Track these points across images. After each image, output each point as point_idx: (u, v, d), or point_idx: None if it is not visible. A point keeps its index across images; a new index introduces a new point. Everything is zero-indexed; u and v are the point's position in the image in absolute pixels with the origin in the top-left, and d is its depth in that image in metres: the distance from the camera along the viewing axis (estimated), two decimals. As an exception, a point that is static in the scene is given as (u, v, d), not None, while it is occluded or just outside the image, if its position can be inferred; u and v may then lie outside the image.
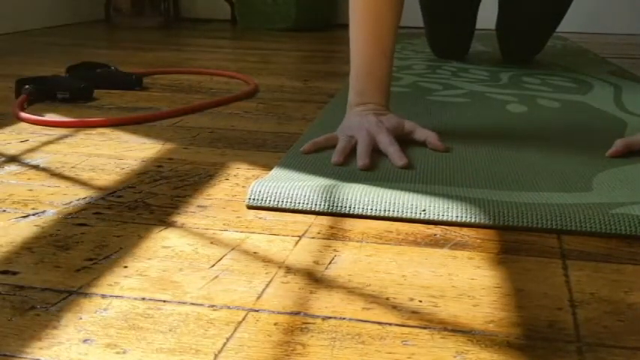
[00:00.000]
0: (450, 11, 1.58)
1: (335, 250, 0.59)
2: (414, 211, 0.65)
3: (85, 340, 0.44)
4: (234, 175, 0.78)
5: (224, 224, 0.64)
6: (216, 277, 0.53)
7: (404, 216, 0.65)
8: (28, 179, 0.76)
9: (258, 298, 0.50)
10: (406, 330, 0.46)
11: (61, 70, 1.39)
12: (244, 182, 0.76)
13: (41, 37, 2.14)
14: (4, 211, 0.67)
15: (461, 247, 0.60)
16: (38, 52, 1.81)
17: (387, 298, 0.50)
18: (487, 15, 1.63)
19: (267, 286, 0.52)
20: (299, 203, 0.67)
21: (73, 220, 0.65)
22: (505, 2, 1.57)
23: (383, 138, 0.84)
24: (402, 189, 0.70)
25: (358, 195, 0.67)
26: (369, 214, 0.66)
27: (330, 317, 0.48)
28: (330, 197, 0.67)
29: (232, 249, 0.59)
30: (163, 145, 0.91)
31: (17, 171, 0.79)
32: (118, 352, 0.43)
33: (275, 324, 0.47)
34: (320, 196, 0.68)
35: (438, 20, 1.62)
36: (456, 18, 1.60)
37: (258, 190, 0.69)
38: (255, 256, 0.57)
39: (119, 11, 2.55)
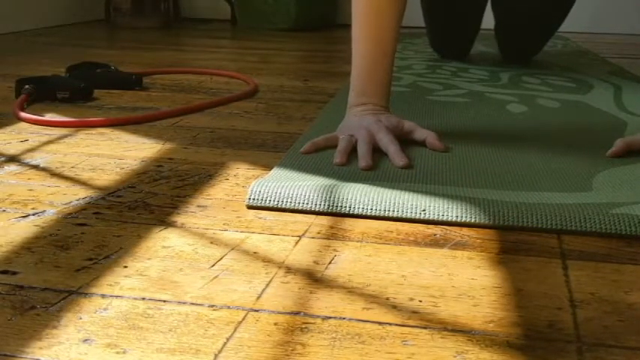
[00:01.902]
0: (454, 12, 1.57)
1: (335, 250, 0.59)
2: (414, 211, 0.65)
3: (85, 340, 0.44)
4: (234, 175, 0.78)
5: (224, 224, 0.64)
6: (216, 277, 0.53)
7: (404, 216, 0.65)
8: (28, 179, 0.76)
9: (258, 298, 0.50)
10: (406, 330, 0.46)
11: (61, 70, 1.39)
12: (244, 182, 0.76)
13: (41, 37, 2.14)
14: (4, 211, 0.67)
15: (461, 247, 0.60)
16: (38, 52, 1.81)
17: (387, 298, 0.50)
18: (487, 15, 1.63)
19: (267, 286, 0.52)
20: (299, 203, 0.67)
21: (73, 220, 0.65)
22: (498, 4, 1.57)
23: (383, 137, 0.84)
24: (402, 189, 0.70)
25: (358, 195, 0.67)
26: (369, 214, 0.66)
27: (330, 317, 0.48)
28: (330, 197, 0.67)
29: (232, 249, 0.59)
30: (163, 145, 0.91)
31: (17, 171, 0.79)
32: (118, 352, 0.43)
33: (275, 324, 0.47)
34: (320, 196, 0.68)
35: (440, 20, 1.61)
36: (458, 19, 1.60)
37: (258, 190, 0.69)
38: (255, 256, 0.57)
39: (119, 11, 2.55)
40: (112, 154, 0.86)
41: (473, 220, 0.64)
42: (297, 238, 0.62)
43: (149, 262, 0.56)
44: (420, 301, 0.50)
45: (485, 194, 0.69)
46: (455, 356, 0.43)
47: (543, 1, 1.48)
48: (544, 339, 0.45)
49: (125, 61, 1.64)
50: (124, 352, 0.43)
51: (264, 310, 0.48)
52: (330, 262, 0.56)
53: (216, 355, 0.43)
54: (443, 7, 1.57)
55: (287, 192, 0.68)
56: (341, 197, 0.67)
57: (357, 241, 0.61)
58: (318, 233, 0.63)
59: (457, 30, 1.63)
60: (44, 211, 0.67)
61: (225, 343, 0.44)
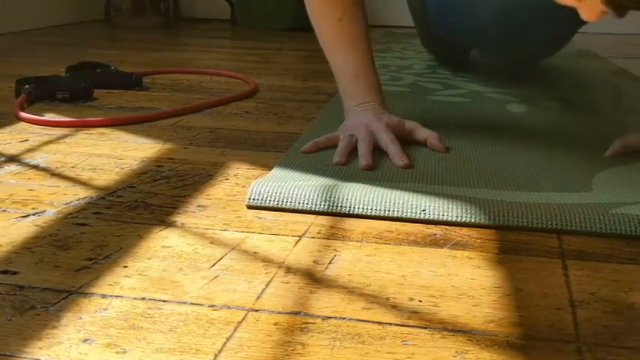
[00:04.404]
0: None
1: (335, 250, 0.59)
2: (414, 211, 0.65)
3: (85, 340, 0.44)
4: (234, 175, 0.78)
5: (224, 224, 0.64)
6: (216, 277, 0.53)
7: (404, 216, 0.65)
8: (28, 179, 0.76)
9: (258, 298, 0.50)
10: (406, 330, 0.46)
11: (61, 70, 1.39)
12: (244, 182, 0.76)
13: (41, 37, 2.14)
14: (4, 210, 0.67)
15: (461, 247, 0.60)
16: (38, 52, 1.81)
17: (387, 298, 0.50)
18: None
19: (267, 286, 0.52)
20: (299, 203, 0.67)
21: (73, 220, 0.65)
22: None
23: (384, 136, 0.84)
24: (402, 189, 0.70)
25: (358, 195, 0.67)
26: (369, 214, 0.66)
27: (330, 317, 0.48)
28: (330, 197, 0.67)
29: (232, 249, 0.59)
30: (163, 145, 0.91)
31: (17, 171, 0.79)
32: (118, 352, 0.43)
33: (275, 324, 0.47)
34: (320, 196, 0.68)
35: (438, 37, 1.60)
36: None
37: (258, 190, 0.69)
38: (255, 256, 0.58)
39: (119, 11, 2.55)
40: (112, 154, 0.86)
41: (473, 220, 0.64)
42: (297, 238, 0.62)
43: (149, 262, 0.56)
44: (420, 301, 0.50)
45: (485, 194, 0.69)
46: (455, 356, 0.43)
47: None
48: (544, 339, 0.45)
49: (125, 61, 1.64)
50: (124, 352, 0.43)
51: (264, 310, 0.48)
52: (330, 262, 0.56)
53: (216, 355, 0.43)
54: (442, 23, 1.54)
55: (287, 192, 0.68)
56: (341, 197, 0.67)
57: (357, 241, 0.61)
58: (318, 233, 0.63)
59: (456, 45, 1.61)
60: (44, 211, 0.67)
61: (225, 343, 0.44)
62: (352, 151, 0.82)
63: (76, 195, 0.71)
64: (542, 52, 1.45)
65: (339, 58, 0.92)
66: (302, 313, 0.48)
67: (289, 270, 0.55)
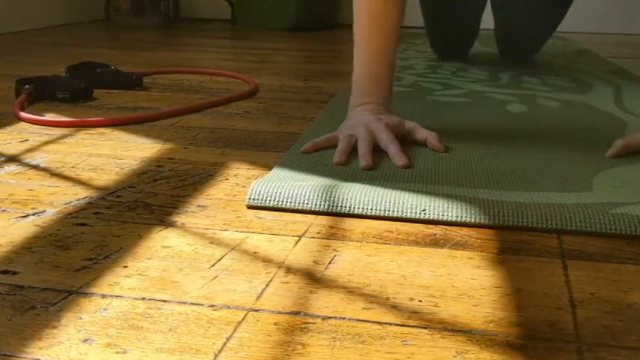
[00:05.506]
0: (452, 14, 1.57)
1: (335, 250, 0.59)
2: (414, 211, 0.65)
3: (85, 340, 0.44)
4: (234, 175, 0.78)
5: (224, 224, 0.64)
6: (216, 277, 0.53)
7: (404, 216, 0.65)
8: (28, 179, 0.76)
9: (258, 298, 0.50)
10: (406, 330, 0.46)
11: (61, 70, 1.39)
12: (244, 182, 0.76)
13: (41, 37, 2.14)
14: (4, 210, 0.67)
15: (461, 247, 0.60)
16: (38, 52, 1.81)
17: (387, 298, 0.50)
18: (487, 15, 1.63)
19: (267, 286, 0.52)
20: (299, 203, 0.67)
21: (73, 219, 0.65)
22: (498, 9, 1.58)
23: (383, 136, 0.84)
24: (402, 189, 0.70)
25: (358, 195, 0.67)
26: (369, 214, 0.66)
27: (330, 317, 0.48)
28: (330, 197, 0.67)
29: (232, 249, 0.59)
30: (163, 145, 0.91)
31: (17, 171, 0.79)
32: (118, 352, 0.43)
33: (275, 324, 0.47)
34: (320, 196, 0.68)
35: (439, 22, 1.62)
36: (457, 19, 1.60)
37: (258, 190, 0.69)
38: (255, 256, 0.58)
39: (119, 11, 2.55)
40: (112, 154, 0.86)
41: (473, 220, 0.64)
42: (297, 238, 0.62)
43: (149, 262, 0.56)
44: (420, 301, 0.50)
45: (486, 194, 0.69)
46: (455, 356, 0.43)
47: (542, 1, 1.48)
48: (544, 339, 0.45)
49: (125, 61, 1.64)
50: (124, 352, 0.43)
51: (264, 310, 0.48)
52: (330, 262, 0.56)
53: (216, 355, 0.43)
54: (442, 10, 1.57)
55: (287, 192, 0.68)
56: (341, 197, 0.67)
57: (357, 241, 0.61)
58: (318, 233, 0.63)
59: (456, 32, 1.63)
60: (44, 211, 0.67)
61: (225, 343, 0.44)
62: (352, 151, 0.82)
63: (76, 195, 0.71)
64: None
65: (363, 50, 0.91)
66: (302, 313, 0.48)
67: (289, 270, 0.55)
